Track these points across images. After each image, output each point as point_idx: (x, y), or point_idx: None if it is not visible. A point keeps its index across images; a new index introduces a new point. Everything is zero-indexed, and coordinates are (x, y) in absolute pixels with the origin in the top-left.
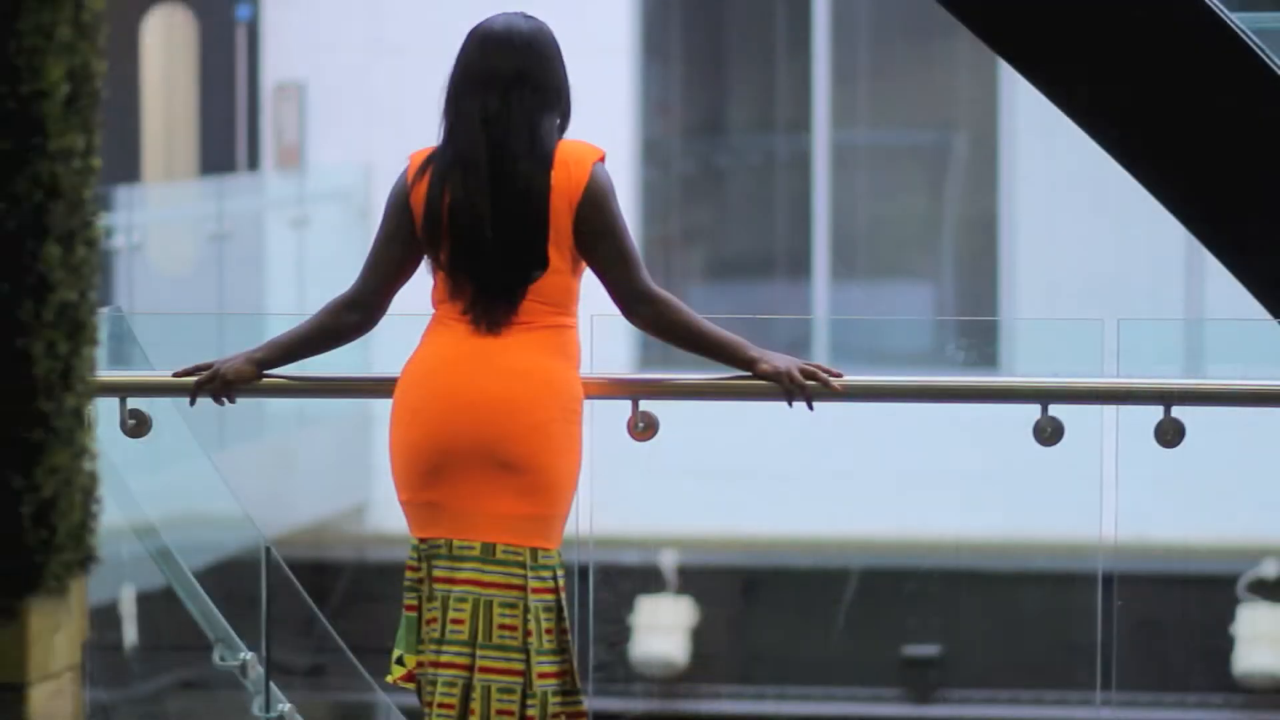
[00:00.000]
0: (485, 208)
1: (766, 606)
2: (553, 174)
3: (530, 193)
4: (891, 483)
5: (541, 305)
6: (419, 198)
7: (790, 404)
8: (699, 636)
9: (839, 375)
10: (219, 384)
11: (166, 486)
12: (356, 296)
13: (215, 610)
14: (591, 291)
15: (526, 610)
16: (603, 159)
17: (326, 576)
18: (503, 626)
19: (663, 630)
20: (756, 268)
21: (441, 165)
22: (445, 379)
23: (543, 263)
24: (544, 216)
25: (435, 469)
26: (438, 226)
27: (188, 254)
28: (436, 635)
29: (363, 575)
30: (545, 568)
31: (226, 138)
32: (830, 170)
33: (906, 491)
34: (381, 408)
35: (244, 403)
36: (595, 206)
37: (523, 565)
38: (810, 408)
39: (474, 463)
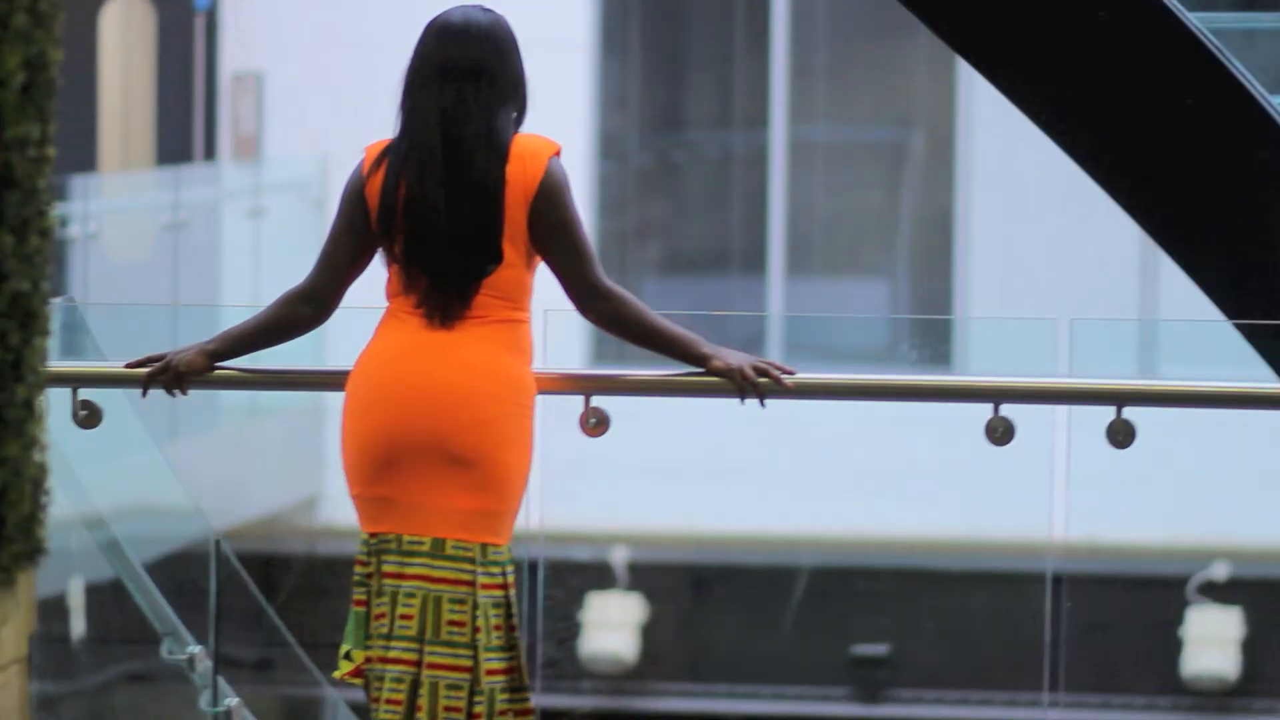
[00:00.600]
0: (440, 200)
1: (716, 604)
2: (508, 167)
3: (486, 186)
4: (842, 481)
5: (495, 299)
6: (374, 190)
7: (742, 401)
8: (648, 633)
9: (791, 372)
10: (171, 375)
11: (117, 478)
12: (310, 289)
13: (164, 603)
14: (545, 286)
15: (475, 607)
16: (559, 153)
17: (277, 570)
18: (451, 623)
19: (612, 627)
20: (712, 263)
21: (397, 158)
22: (397, 372)
23: (497, 256)
24: (499, 210)
25: (386, 463)
26: (392, 219)
27: (143, 244)
28: (385, 631)
29: (313, 569)
30: (495, 563)
31: (183, 127)
32: (787, 166)
33: (857, 490)
34: (334, 400)
35: (196, 394)
36: (550, 201)
37: (472, 561)
38: (762, 405)
39: (425, 457)
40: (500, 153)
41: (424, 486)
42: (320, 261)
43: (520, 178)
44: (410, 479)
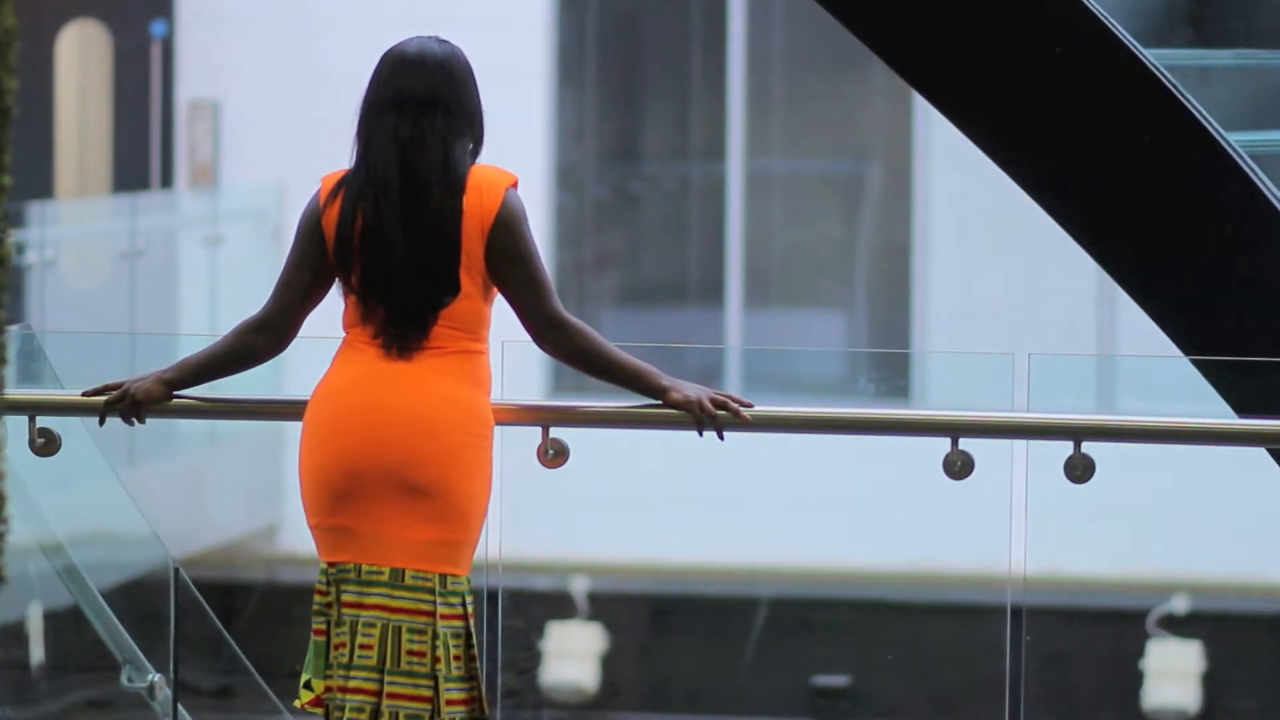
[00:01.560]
0: (397, 232)
1: (677, 634)
2: (465, 199)
3: (442, 217)
4: (803, 512)
5: (452, 330)
6: (330, 221)
7: (700, 434)
8: (609, 663)
9: (750, 405)
10: (128, 404)
11: (75, 505)
12: (267, 319)
13: (123, 630)
14: (503, 317)
15: (435, 637)
16: (515, 184)
17: (236, 597)
18: (411, 653)
19: (572, 656)
20: (669, 294)
21: (354, 188)
22: (355, 402)
23: (454, 288)
24: (456, 241)
25: (344, 493)
26: (349, 250)
27: (100, 271)
28: (345, 660)
29: (273, 596)
30: (454, 594)
31: (140, 155)
32: (744, 198)
33: (817, 521)
34: (293, 428)
35: (154, 422)
36: (507, 232)
37: (431, 591)
38: (721, 438)
39: (383, 487)
40: (457, 184)
41: (382, 517)
42: (276, 291)
43: (477, 209)
44: (368, 509)
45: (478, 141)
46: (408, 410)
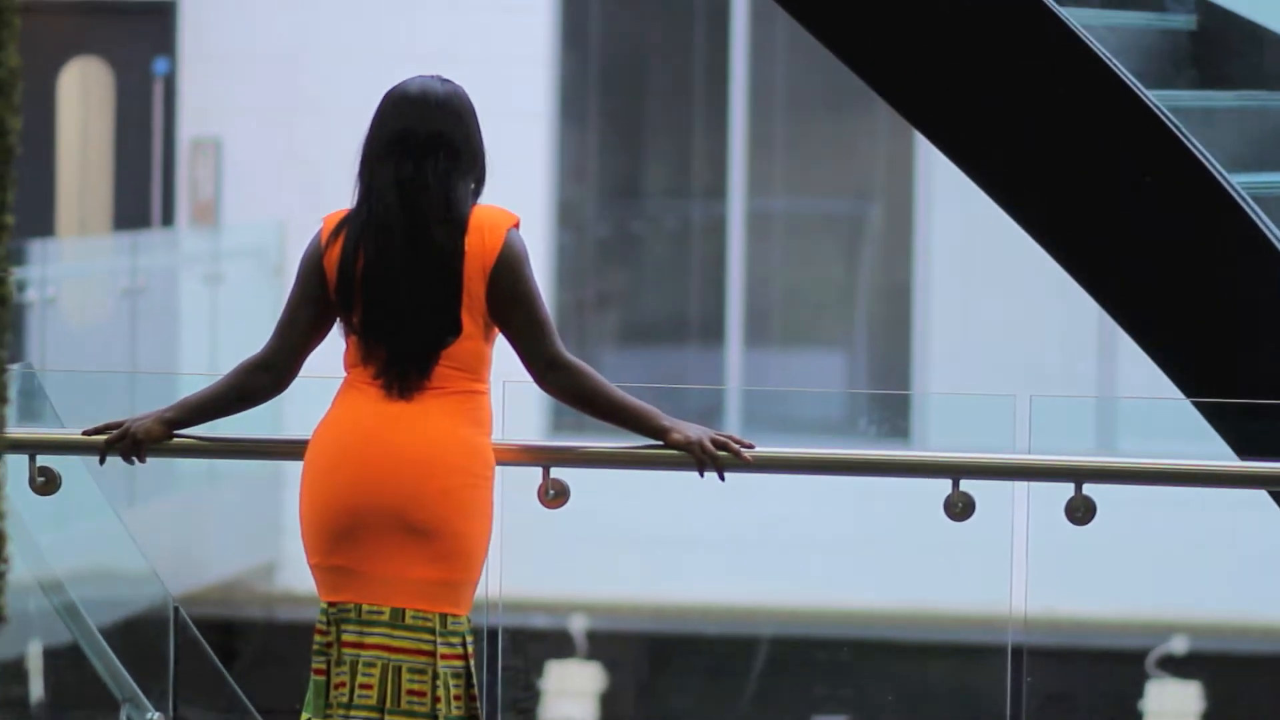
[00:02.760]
0: (398, 272)
1: (675, 673)
2: (467, 239)
3: (444, 257)
4: (803, 551)
5: (454, 370)
6: (332, 261)
7: (701, 474)
8: (608, 702)
9: (751, 446)
10: (129, 443)
11: (75, 543)
12: (268, 358)
13: (122, 669)
14: (504, 357)
15: (435, 677)
16: (518, 225)
17: (236, 636)
18: (411, 692)
19: (571, 695)
20: (670, 333)
21: (355, 228)
22: (356, 442)
23: (456, 328)
24: (458, 281)
25: (344, 533)
26: (351, 290)
27: (101, 309)
28: (345, 700)
29: (272, 635)
30: (454, 634)
31: (142, 193)
32: (745, 237)
33: (818, 561)
34: (292, 467)
35: (154, 460)
36: (509, 273)
37: (432, 631)
38: (722, 478)
39: (383, 527)
40: (459, 224)
41: (383, 557)
42: (278, 331)
43: (479, 250)
44: (369, 549)
45: (479, 181)
46: (409, 450)
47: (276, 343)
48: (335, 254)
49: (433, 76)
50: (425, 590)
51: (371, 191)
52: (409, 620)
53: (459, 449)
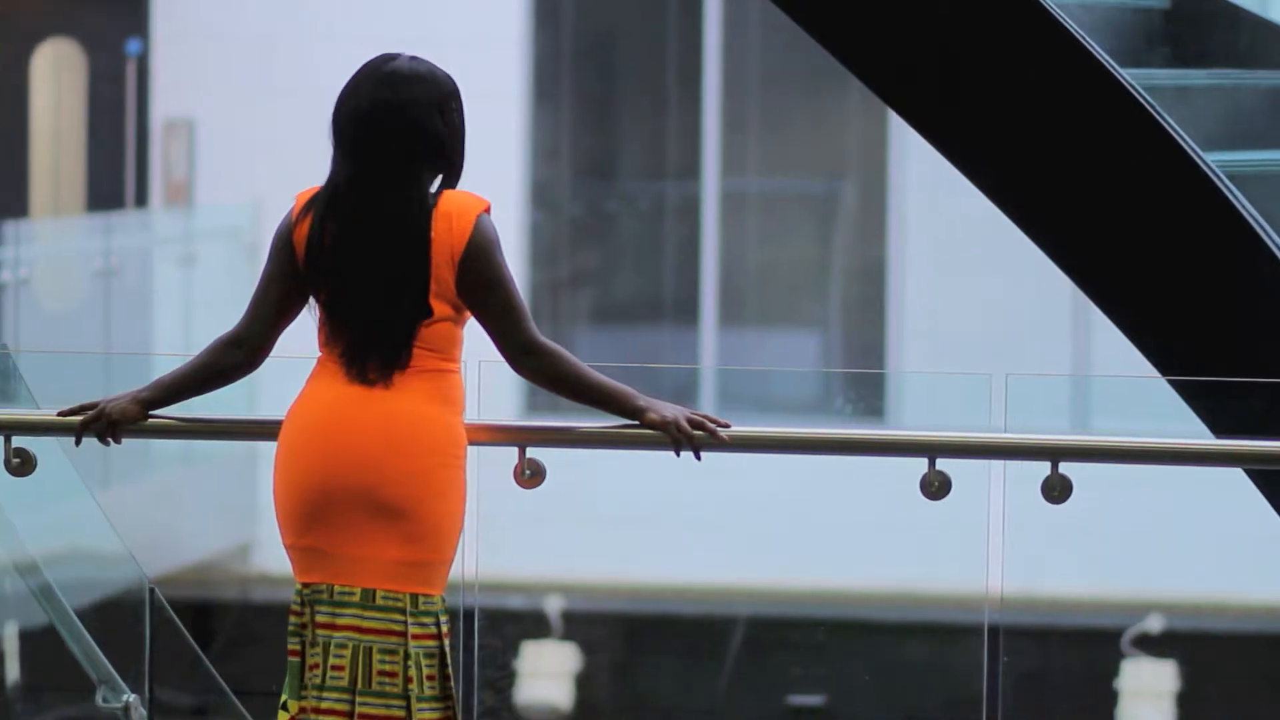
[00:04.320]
0: (363, 251)
1: (652, 653)
2: (435, 223)
3: (408, 238)
4: (779, 531)
5: (422, 350)
6: (301, 237)
7: (678, 454)
8: (584, 683)
9: (727, 425)
10: (104, 424)
11: (50, 524)
12: (240, 335)
13: (98, 650)
14: (479, 337)
15: (407, 657)
16: (488, 210)
17: (211, 617)
18: (382, 673)
19: (547, 676)
20: (644, 313)
21: (323, 206)
22: (326, 422)
23: (423, 311)
24: (423, 263)
25: (314, 513)
26: (318, 268)
27: (75, 290)
28: (318, 681)
29: (247, 616)
30: (427, 614)
31: (115, 174)
32: (719, 217)
33: (794, 540)
34: (267, 448)
35: (129, 441)
36: (480, 259)
37: (403, 611)
38: (698, 458)
39: (353, 507)
40: (424, 206)
41: (353, 537)
42: (251, 307)
43: (446, 236)
44: (339, 529)
45: (452, 163)
46: (379, 430)
47: (248, 318)
48: (304, 231)
49: (408, 56)
50: (396, 571)
51: (339, 169)
52: (380, 601)
53: (428, 428)
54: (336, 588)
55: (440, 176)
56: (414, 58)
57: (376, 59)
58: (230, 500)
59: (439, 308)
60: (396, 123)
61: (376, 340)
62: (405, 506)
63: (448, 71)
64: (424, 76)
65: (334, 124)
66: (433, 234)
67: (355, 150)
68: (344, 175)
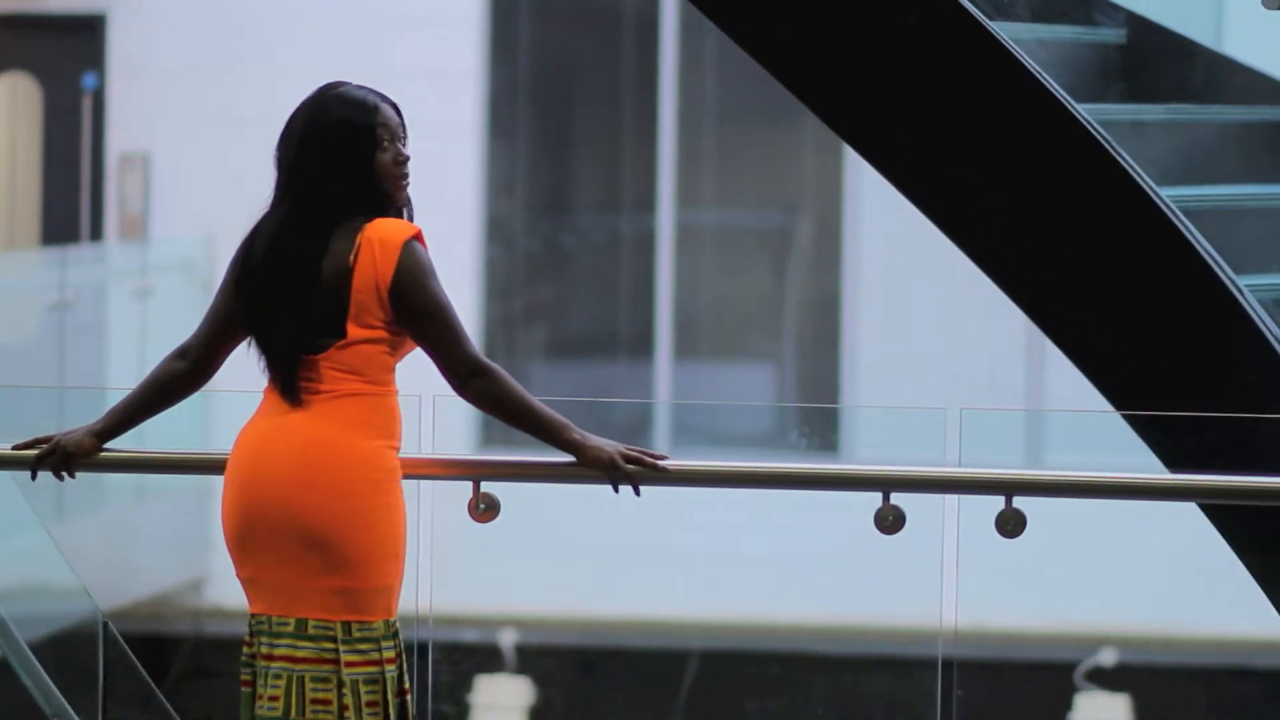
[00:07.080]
0: (269, 276)
1: (606, 687)
2: (361, 251)
3: (314, 264)
4: (733, 566)
5: (341, 374)
6: (236, 260)
7: (616, 490)
8: (537, 717)
9: (663, 458)
10: (59, 457)
11: (4, 557)
12: (186, 346)
13: (51, 684)
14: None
15: (341, 685)
16: (417, 236)
17: (165, 650)
18: (315, 701)
19: (501, 710)
20: (599, 347)
21: (251, 231)
22: (249, 453)
23: (336, 333)
24: (341, 288)
25: (243, 543)
26: (240, 291)
27: (29, 324)
28: (263, 713)
29: (201, 649)
30: (364, 640)
31: (70, 207)
32: (674, 251)
33: (749, 575)
34: (220, 482)
35: (83, 475)
36: (411, 286)
37: (334, 640)
38: (637, 493)
39: (276, 537)
40: (310, 234)
41: (281, 567)
42: (202, 322)
43: (369, 265)
44: (267, 559)
45: (374, 195)
46: (289, 459)
47: (197, 332)
48: (238, 253)
49: (350, 84)
50: (324, 600)
51: (274, 193)
52: (310, 630)
53: (343, 457)
54: (274, 618)
55: (372, 203)
56: (356, 85)
57: (325, 85)
58: (184, 534)
59: (356, 330)
60: (337, 145)
61: (287, 360)
62: (322, 536)
63: (387, 98)
64: (363, 101)
65: (283, 145)
66: (357, 261)
67: (291, 170)
68: (276, 195)
